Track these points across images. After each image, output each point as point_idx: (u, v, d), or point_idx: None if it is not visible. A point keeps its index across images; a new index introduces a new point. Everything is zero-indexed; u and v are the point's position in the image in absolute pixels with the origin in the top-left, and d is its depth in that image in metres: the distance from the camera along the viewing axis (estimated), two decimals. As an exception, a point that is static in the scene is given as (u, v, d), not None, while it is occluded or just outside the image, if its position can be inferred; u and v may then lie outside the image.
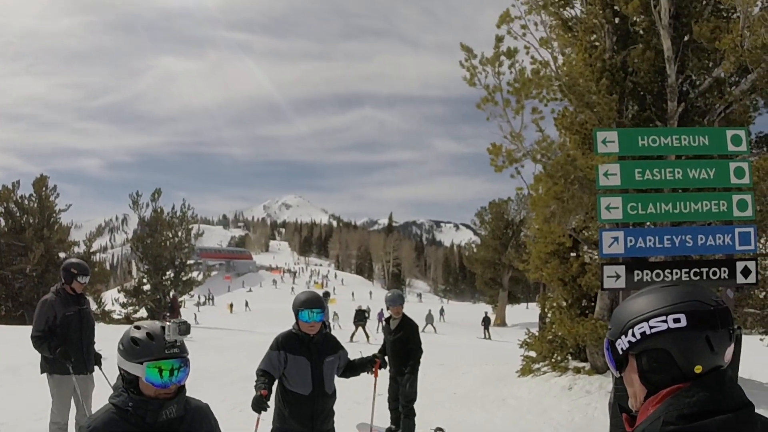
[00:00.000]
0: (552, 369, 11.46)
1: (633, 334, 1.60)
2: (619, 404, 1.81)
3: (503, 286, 53.37)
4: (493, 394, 11.30)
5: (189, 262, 42.43)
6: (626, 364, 1.65)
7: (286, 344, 5.34)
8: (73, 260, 7.41)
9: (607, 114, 9.92)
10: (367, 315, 31.97)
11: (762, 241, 11.96)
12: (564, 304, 11.81)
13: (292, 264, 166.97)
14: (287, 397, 5.36)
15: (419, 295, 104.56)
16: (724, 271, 8.12)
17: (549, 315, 12.36)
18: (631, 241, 8.04)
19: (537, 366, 11.93)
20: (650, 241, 8.07)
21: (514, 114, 8.79)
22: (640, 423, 1.59)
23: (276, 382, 5.38)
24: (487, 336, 38.77)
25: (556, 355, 11.75)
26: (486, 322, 40.76)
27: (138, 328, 2.69)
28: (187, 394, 2.91)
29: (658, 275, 8.01)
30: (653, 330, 1.57)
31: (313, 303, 5.31)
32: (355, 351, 6.86)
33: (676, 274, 8.06)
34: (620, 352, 1.65)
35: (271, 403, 5.42)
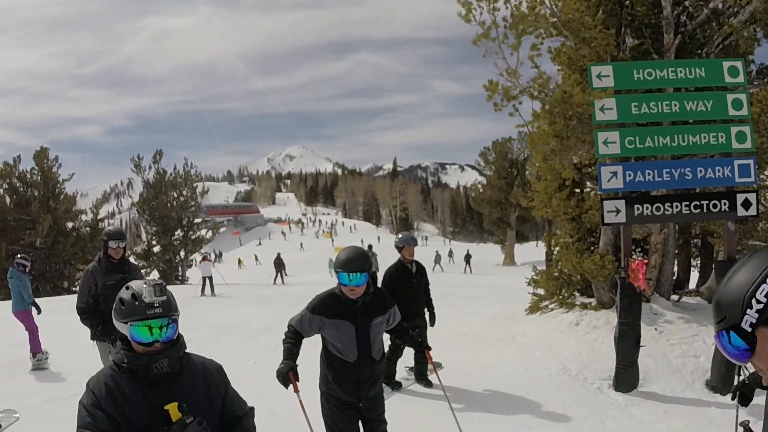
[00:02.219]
0: (559, 306, 11.61)
1: (758, 301, 1.50)
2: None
3: (511, 226, 53.49)
4: (502, 332, 11.48)
5: (197, 220, 42.69)
6: (756, 340, 1.54)
7: (325, 308, 4.74)
8: (108, 228, 7.65)
9: (605, 48, 9.81)
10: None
11: (767, 173, 11.93)
12: (570, 240, 11.86)
13: (300, 214, 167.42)
14: (331, 362, 4.81)
15: (425, 237, 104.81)
16: (725, 204, 8.16)
17: (555, 252, 12.44)
18: (630, 175, 8.07)
19: (545, 303, 12.08)
20: (649, 174, 8.10)
21: (511, 51, 8.70)
22: None
23: (321, 343, 4.91)
24: (469, 271, 42.97)
25: (563, 291, 11.88)
26: (467, 258, 45.35)
27: (127, 288, 2.76)
28: (201, 350, 3.00)
29: (658, 209, 8.06)
30: None
31: (354, 264, 4.60)
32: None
33: (677, 207, 8.12)
34: (749, 329, 1.53)
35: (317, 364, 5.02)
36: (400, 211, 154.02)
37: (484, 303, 15.82)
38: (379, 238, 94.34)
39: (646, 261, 8.02)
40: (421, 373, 8.78)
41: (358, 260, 4.64)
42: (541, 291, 12.39)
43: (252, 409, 3.06)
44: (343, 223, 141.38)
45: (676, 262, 12.56)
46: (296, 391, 4.55)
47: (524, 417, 7.49)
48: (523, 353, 10.10)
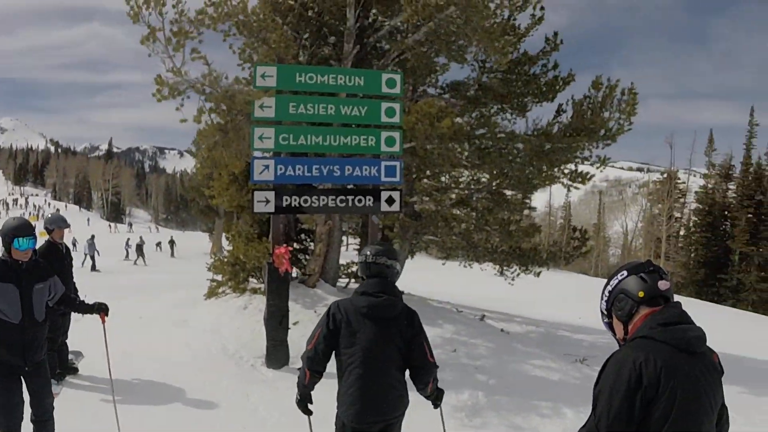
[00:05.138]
0: (233, 291, 12.16)
1: (606, 295, 2.81)
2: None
3: (219, 215, 53.13)
4: (178, 317, 11.76)
5: None
6: (611, 316, 2.80)
7: None
8: None
9: (284, 51, 10.33)
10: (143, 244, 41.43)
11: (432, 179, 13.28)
12: (248, 228, 12.42)
13: (6, 194, 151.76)
14: None
15: (130, 224, 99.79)
16: (369, 200, 9.13)
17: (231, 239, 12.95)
18: (281, 169, 8.72)
19: (222, 289, 12.58)
20: (299, 169, 8.79)
21: (173, 52, 8.93)
22: (631, 335, 2.66)
23: None
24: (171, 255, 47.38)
25: (239, 277, 12.43)
26: (171, 243, 49.62)
27: None
28: None
29: (306, 201, 8.83)
30: (613, 286, 2.77)
31: (26, 230, 5.18)
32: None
33: (323, 200, 8.94)
34: (605, 312, 2.84)
35: None
36: (112, 195, 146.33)
37: (174, 289, 15.92)
38: (89, 220, 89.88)
39: (290, 248, 8.77)
40: (62, 362, 8.26)
41: (27, 227, 5.24)
42: (219, 277, 12.86)
43: None
44: (50, 204, 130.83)
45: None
46: None
47: (179, 401, 7.82)
48: (191, 336, 10.47)
